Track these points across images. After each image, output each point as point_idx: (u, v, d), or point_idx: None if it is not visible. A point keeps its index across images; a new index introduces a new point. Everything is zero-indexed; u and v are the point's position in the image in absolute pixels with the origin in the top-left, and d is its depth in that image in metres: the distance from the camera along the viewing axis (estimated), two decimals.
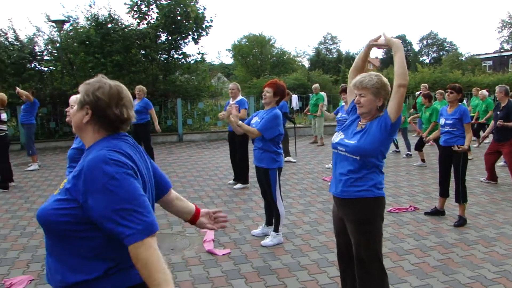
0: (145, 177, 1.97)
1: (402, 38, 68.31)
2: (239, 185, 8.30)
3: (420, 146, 10.17)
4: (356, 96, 3.26)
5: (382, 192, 3.30)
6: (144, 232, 1.73)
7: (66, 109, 3.88)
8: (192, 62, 17.11)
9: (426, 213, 6.56)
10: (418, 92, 15.79)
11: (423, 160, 10.25)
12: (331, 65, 53.77)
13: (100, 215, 1.74)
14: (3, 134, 8.55)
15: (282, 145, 5.66)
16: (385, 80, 3.26)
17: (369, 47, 3.50)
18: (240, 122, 5.41)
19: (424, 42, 67.20)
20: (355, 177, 3.23)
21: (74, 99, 3.80)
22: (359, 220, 3.26)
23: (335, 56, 62.54)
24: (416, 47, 67.77)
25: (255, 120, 5.52)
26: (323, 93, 14.63)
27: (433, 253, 5.11)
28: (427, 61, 60.79)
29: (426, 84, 15.38)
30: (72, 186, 1.83)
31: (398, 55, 3.20)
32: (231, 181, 8.67)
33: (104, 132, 1.98)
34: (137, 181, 1.83)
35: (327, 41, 70.66)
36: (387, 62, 57.55)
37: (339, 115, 8.55)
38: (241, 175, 8.41)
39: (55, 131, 15.34)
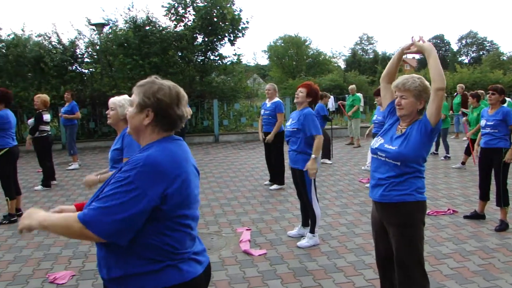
0: (189, 184, 1.98)
1: (440, 37, 67.09)
2: (275, 186, 8.30)
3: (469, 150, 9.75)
4: (397, 97, 3.23)
5: (424, 196, 3.25)
6: (85, 223, 1.78)
7: (107, 112, 3.96)
8: (228, 63, 17.21)
9: (466, 217, 6.41)
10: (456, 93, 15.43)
11: (463, 163, 10.00)
12: (367, 65, 53.14)
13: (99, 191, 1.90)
14: (46, 134, 8.81)
15: (323, 146, 5.66)
16: (427, 83, 3.21)
17: (401, 54, 3.46)
18: (313, 156, 5.27)
19: (463, 41, 65.78)
20: (396, 182, 3.19)
21: (114, 101, 3.89)
22: (400, 224, 3.22)
23: (371, 56, 61.84)
24: (454, 46, 66.50)
25: (289, 121, 5.54)
26: (359, 94, 14.50)
27: (473, 257, 4.98)
28: (466, 61, 59.49)
29: (462, 85, 15.03)
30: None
31: (432, 60, 3.14)
32: (267, 182, 8.68)
33: (161, 132, 2.03)
34: (142, 199, 1.81)
35: (363, 41, 70.03)
36: (424, 63, 56.53)
37: (374, 117, 8.43)
38: (276, 176, 8.42)
39: (95, 131, 15.72)
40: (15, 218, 6.66)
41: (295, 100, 5.55)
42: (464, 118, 9.27)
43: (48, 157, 9.02)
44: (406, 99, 3.17)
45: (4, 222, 6.55)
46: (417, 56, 66.17)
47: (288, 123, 5.56)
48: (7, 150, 6.62)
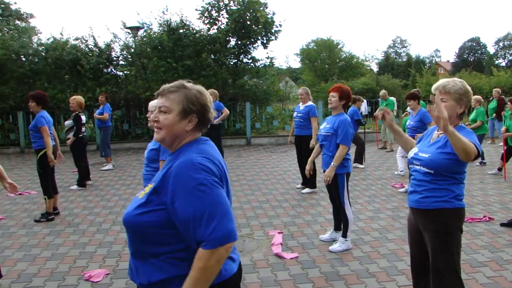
0: (228, 182, 2.04)
1: (476, 40, 65.67)
2: (307, 190, 8.26)
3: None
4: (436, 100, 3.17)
5: (462, 203, 3.17)
6: (220, 241, 1.79)
7: (148, 115, 3.96)
8: (261, 66, 17.23)
9: (502, 224, 6.24)
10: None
11: (499, 169, 9.74)
12: (400, 69, 52.52)
13: (183, 218, 1.81)
14: (81, 135, 9.00)
15: (356, 151, 5.62)
16: (468, 87, 3.14)
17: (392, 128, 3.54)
18: (333, 164, 5.27)
19: (500, 44, 64.27)
20: (433, 188, 3.13)
21: (155, 104, 3.90)
22: (437, 231, 3.15)
23: (404, 60, 61.12)
24: (491, 49, 64.98)
25: (324, 125, 5.51)
26: (392, 98, 14.32)
27: (511, 267, 4.85)
28: (503, 64, 58.00)
29: (498, 89, 14.65)
30: (159, 186, 1.90)
31: (453, 142, 2.85)
32: (299, 186, 8.65)
33: (197, 134, 2.07)
34: (223, 190, 1.89)
35: (396, 44, 69.23)
36: (459, 66, 55.51)
37: (407, 122, 8.26)
38: (309, 180, 8.37)
39: (128, 132, 15.98)
40: (53, 216, 6.82)
41: (329, 106, 5.52)
42: (504, 128, 8.92)
43: (83, 158, 9.22)
44: (445, 102, 3.10)
45: (42, 220, 6.72)
46: (452, 59, 65.14)
47: (322, 127, 5.53)
48: (46, 150, 6.81)
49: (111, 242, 5.77)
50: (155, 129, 2.06)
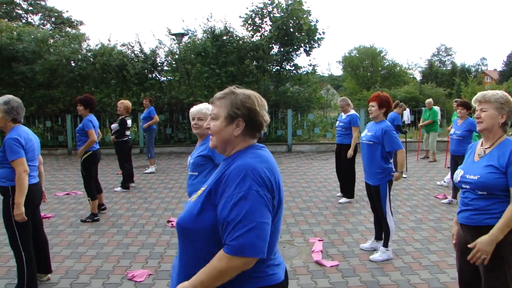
0: (281, 189, 2.01)
1: None
2: (344, 199, 8.17)
3: None
4: (477, 111, 3.09)
5: None
6: (239, 251, 1.77)
7: (194, 122, 4.03)
8: (303, 73, 17.20)
9: None
10: None
11: None
12: (444, 78, 51.30)
13: (224, 218, 1.82)
14: (127, 138, 9.22)
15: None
16: (510, 97, 3.06)
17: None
18: (397, 174, 5.37)
19: None
20: (484, 205, 2.99)
21: (202, 111, 3.98)
22: None
23: (449, 68, 59.73)
24: None
25: (365, 133, 5.48)
26: (436, 107, 14.04)
27: None
28: None
29: None
30: (212, 189, 1.93)
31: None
32: (339, 194, 8.61)
33: (248, 140, 2.06)
34: (269, 205, 1.86)
35: (440, 52, 67.85)
36: (507, 75, 53.82)
37: (452, 131, 8.06)
38: (346, 189, 8.30)
39: (171, 137, 16.25)
40: (98, 217, 7.02)
41: (370, 116, 5.50)
42: None
43: (127, 161, 9.44)
44: (486, 111, 3.01)
45: (87, 220, 6.93)
46: (499, 68, 63.24)
47: (363, 134, 5.50)
48: (91, 153, 7.03)
49: (153, 244, 5.90)
50: (210, 136, 2.11)
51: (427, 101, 13.67)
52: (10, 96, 4.26)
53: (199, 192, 2.02)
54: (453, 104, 10.76)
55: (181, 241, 2.01)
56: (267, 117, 2.09)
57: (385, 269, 5.02)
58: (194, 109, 4.05)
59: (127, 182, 9.40)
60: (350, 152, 8.01)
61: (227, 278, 1.82)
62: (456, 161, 7.75)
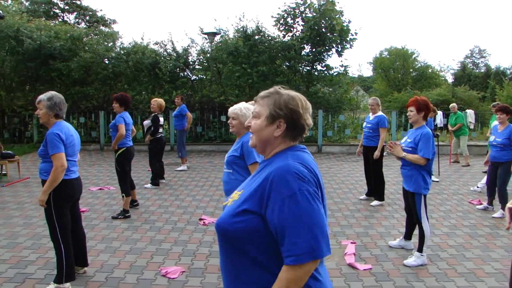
0: (323, 190, 1.96)
1: None
2: (375, 202, 8.07)
3: None
4: None
5: None
6: (309, 256, 1.72)
7: (229, 121, 4.08)
8: (335, 74, 17.09)
9: None
10: None
11: None
12: (478, 80, 50.22)
13: (275, 226, 1.77)
14: (160, 136, 9.32)
15: None
16: None
17: None
18: (404, 153, 5.32)
19: None
20: None
21: (235, 111, 4.00)
22: None
23: (482, 71, 58.42)
24: None
25: (405, 139, 5.43)
26: (470, 111, 13.79)
27: None
28: None
29: None
30: (253, 193, 1.87)
31: None
32: (363, 196, 8.54)
33: (288, 142, 2.01)
34: (318, 201, 1.81)
35: (474, 54, 66.37)
36: None
37: (492, 138, 7.78)
38: (376, 192, 8.21)
39: (201, 135, 16.36)
40: (129, 214, 7.11)
41: (409, 121, 5.44)
42: None
43: (159, 158, 9.54)
44: None
45: (119, 217, 7.02)
46: None
47: (403, 141, 5.45)
48: (125, 149, 7.12)
49: (186, 241, 5.95)
50: (250, 135, 2.08)
51: (451, 105, 13.44)
52: (53, 92, 4.37)
53: (236, 195, 1.98)
54: (491, 109, 10.49)
55: (221, 244, 1.98)
56: (310, 121, 2.03)
57: (419, 275, 4.94)
58: (230, 109, 4.09)
59: (156, 179, 9.50)
60: (376, 153, 7.92)
61: (301, 283, 1.77)
62: (496, 168, 7.53)
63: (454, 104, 13.37)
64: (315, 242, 1.72)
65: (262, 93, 2.05)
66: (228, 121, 4.10)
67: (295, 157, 1.91)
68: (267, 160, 2.01)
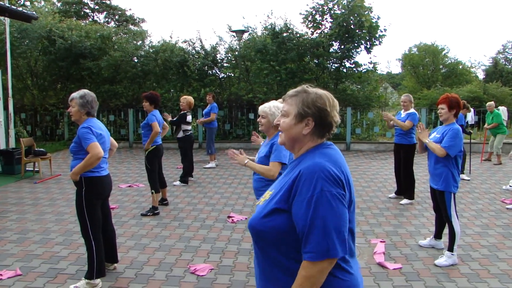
0: (352, 186, 1.97)
1: None
2: (405, 201, 7.96)
3: None
4: None
5: None
6: (323, 255, 1.75)
7: (258, 120, 4.09)
8: (364, 71, 16.91)
9: None
10: None
11: None
12: (510, 76, 49.02)
13: (297, 223, 1.82)
14: (189, 133, 9.37)
15: None
16: None
17: None
18: (427, 140, 5.25)
19: None
20: None
21: (264, 109, 4.00)
22: None
23: None
24: None
25: (433, 135, 5.33)
26: (502, 108, 13.46)
27: None
28: None
29: None
30: (283, 193, 1.90)
31: None
32: (392, 195, 8.43)
33: (317, 139, 2.04)
34: (340, 202, 1.81)
35: (507, 50, 64.76)
36: None
37: None
38: (406, 190, 8.09)
39: (229, 132, 16.41)
40: (158, 211, 7.17)
41: (440, 119, 5.34)
42: None
43: (189, 155, 9.60)
44: None
45: (148, 214, 7.08)
46: None
47: (432, 137, 5.35)
48: (155, 147, 7.18)
49: (215, 239, 5.97)
50: (280, 133, 2.10)
51: (487, 104, 13.15)
52: (86, 91, 4.44)
53: (267, 195, 2.02)
54: None
55: (255, 243, 2.01)
56: (337, 118, 2.06)
57: (451, 275, 4.85)
58: (260, 107, 4.09)
59: (186, 176, 9.56)
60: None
61: (320, 281, 1.81)
62: None
63: (491, 103, 13.08)
64: (331, 243, 1.75)
65: (290, 92, 2.09)
66: (258, 120, 4.11)
67: (323, 155, 1.93)
68: (296, 160, 2.04)
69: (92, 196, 4.34)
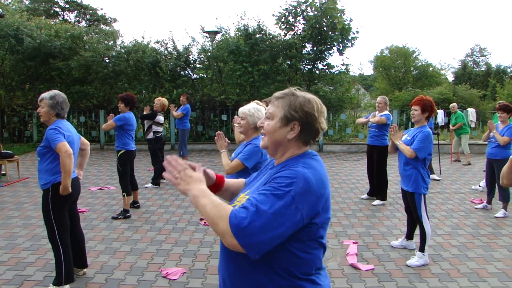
0: (329, 204, 1.90)
1: None
2: (377, 202, 8.03)
3: None
4: None
5: None
6: (237, 228, 1.64)
7: (237, 122, 4.05)
8: (336, 73, 17.03)
9: None
10: None
11: None
12: (478, 79, 50.06)
13: (252, 192, 1.80)
14: (160, 135, 9.26)
15: None
16: None
17: None
18: (399, 141, 5.31)
19: None
20: None
21: (244, 111, 3.97)
22: None
23: (483, 69, 58.25)
24: None
25: (404, 137, 5.39)
26: (471, 109, 13.74)
27: None
28: None
29: None
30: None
31: None
32: (364, 196, 8.50)
33: (302, 146, 1.96)
34: (298, 222, 1.73)
35: (474, 53, 66.18)
36: None
37: (490, 134, 7.73)
38: (379, 191, 8.16)
39: (202, 134, 16.31)
40: (129, 214, 7.06)
41: (412, 120, 5.40)
42: None
43: (160, 157, 9.48)
44: None
45: (119, 217, 6.96)
46: None
47: (403, 139, 5.40)
48: (125, 151, 7.05)
49: (187, 242, 5.90)
50: (262, 136, 2.03)
51: (451, 105, 13.43)
52: (56, 91, 4.34)
53: (243, 200, 1.93)
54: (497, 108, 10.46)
55: (223, 248, 1.95)
56: (324, 125, 1.98)
57: (422, 275, 4.90)
58: (240, 109, 4.05)
59: (158, 178, 9.45)
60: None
61: (209, 222, 1.73)
62: (492, 166, 7.57)
63: (454, 104, 13.35)
64: (255, 237, 1.64)
65: (277, 94, 2.01)
66: (236, 121, 4.07)
67: (307, 166, 1.84)
68: (277, 166, 1.96)
69: (59, 200, 4.23)
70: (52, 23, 19.03)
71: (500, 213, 7.32)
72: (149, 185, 9.33)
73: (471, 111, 15.51)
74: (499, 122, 7.67)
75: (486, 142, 7.92)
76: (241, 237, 1.64)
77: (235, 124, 4.09)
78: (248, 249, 1.67)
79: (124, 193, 7.05)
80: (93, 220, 6.84)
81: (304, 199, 1.73)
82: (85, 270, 4.79)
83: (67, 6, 33.35)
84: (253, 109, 3.92)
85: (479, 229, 6.61)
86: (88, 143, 4.92)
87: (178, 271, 4.88)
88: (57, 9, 33.45)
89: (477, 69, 58.86)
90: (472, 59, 65.02)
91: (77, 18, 33.54)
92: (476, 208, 7.78)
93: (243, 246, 1.66)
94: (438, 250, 5.69)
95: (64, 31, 16.90)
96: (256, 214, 1.65)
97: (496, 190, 7.70)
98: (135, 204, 7.55)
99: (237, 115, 4.11)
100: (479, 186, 9.32)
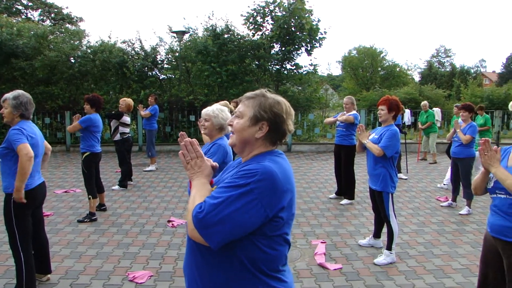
0: (294, 201, 1.95)
1: None
2: (345, 201, 8.10)
3: None
4: None
5: None
6: (196, 220, 1.74)
7: (202, 123, 4.01)
8: (304, 73, 17.13)
9: None
10: None
11: None
12: (443, 79, 51.22)
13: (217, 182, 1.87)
14: (127, 136, 9.13)
15: None
16: None
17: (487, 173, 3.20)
18: (366, 140, 5.36)
19: None
20: None
21: (208, 112, 3.94)
22: None
23: (448, 70, 59.62)
24: None
25: (372, 136, 5.44)
26: (436, 109, 13.99)
27: None
28: None
29: None
30: None
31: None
32: (333, 195, 8.56)
33: (269, 146, 2.02)
34: (262, 217, 1.78)
35: (439, 54, 67.67)
36: (505, 77, 53.88)
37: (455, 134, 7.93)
38: (346, 190, 8.23)
39: (170, 135, 16.16)
40: (95, 217, 6.93)
41: (379, 119, 5.47)
42: None
43: (127, 158, 9.35)
44: None
45: (85, 220, 6.83)
46: (498, 70, 63.23)
47: (370, 138, 5.45)
48: (90, 153, 6.92)
49: (154, 244, 5.83)
50: (231, 134, 2.07)
51: (422, 103, 13.65)
52: (20, 91, 4.21)
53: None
54: (454, 109, 10.71)
55: (199, 252, 1.94)
56: (291, 127, 2.06)
57: (389, 273, 4.96)
58: (203, 110, 4.03)
59: (125, 180, 9.32)
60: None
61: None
62: (456, 164, 7.76)
63: (425, 102, 13.56)
64: (215, 234, 1.73)
65: (248, 94, 2.06)
66: (201, 123, 4.04)
67: (273, 162, 1.89)
68: (243, 163, 1.99)
69: (22, 206, 4.10)
70: (14, 21, 18.53)
71: (464, 211, 7.49)
72: (116, 187, 9.19)
73: (437, 111, 15.79)
74: (461, 120, 7.86)
75: (450, 141, 8.11)
76: (200, 228, 1.73)
77: (201, 126, 4.05)
78: (207, 239, 1.74)
79: (89, 196, 6.92)
80: (58, 224, 6.68)
81: (268, 192, 1.78)
82: (49, 275, 4.67)
83: (30, 4, 32.51)
84: (217, 110, 3.92)
85: (444, 226, 6.74)
86: (50, 148, 4.79)
87: (145, 275, 4.81)
88: (20, 7, 32.58)
89: (442, 70, 60.19)
90: (437, 59, 66.50)
91: (41, 17, 32.73)
92: (441, 206, 7.93)
93: (203, 237, 1.74)
94: (405, 248, 5.78)
95: (27, 30, 16.49)
96: (214, 205, 1.73)
97: (461, 188, 7.87)
98: (101, 207, 7.42)
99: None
100: (444, 184, 9.50)
